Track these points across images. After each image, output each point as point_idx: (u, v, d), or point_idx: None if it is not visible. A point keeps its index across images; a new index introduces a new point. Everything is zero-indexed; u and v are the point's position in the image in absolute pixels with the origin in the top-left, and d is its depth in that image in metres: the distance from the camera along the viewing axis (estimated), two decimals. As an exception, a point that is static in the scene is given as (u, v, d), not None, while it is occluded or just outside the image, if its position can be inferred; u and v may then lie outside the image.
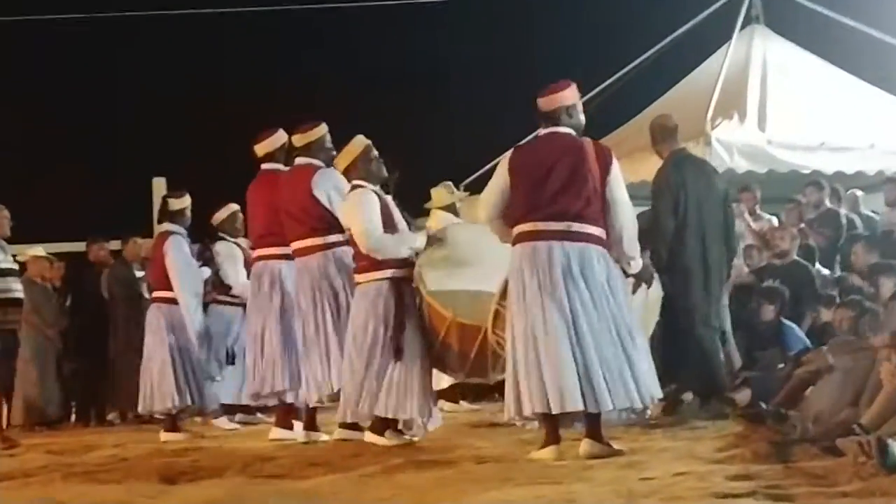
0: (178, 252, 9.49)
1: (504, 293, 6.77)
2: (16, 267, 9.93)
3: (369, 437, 7.52)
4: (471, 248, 7.73)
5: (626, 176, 11.17)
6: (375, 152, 7.73)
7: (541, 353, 6.30)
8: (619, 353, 6.33)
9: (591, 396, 6.24)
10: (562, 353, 6.25)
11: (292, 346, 8.25)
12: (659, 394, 6.56)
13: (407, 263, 7.55)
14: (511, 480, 5.58)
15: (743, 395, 8.34)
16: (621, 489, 5.05)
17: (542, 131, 6.70)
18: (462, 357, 7.50)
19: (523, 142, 7.05)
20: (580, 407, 6.23)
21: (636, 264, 6.81)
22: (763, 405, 7.65)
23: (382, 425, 7.51)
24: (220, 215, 10.35)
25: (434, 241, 7.78)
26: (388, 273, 7.52)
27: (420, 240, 7.71)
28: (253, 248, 8.88)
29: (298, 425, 8.40)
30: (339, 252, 8.00)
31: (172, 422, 9.46)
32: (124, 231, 12.69)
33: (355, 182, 7.66)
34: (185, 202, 9.74)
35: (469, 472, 6.02)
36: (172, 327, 9.47)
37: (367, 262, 7.55)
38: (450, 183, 11.09)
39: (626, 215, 6.59)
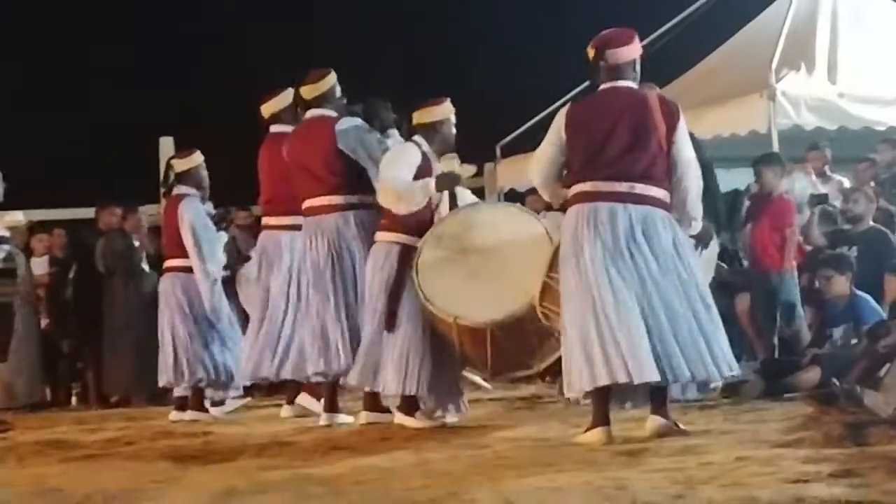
0: (194, 214, 9.39)
1: (552, 264, 6.79)
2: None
3: (398, 418, 7.51)
4: (482, 232, 7.62)
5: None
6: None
7: (612, 321, 6.25)
8: (691, 321, 6.33)
9: (667, 367, 6.23)
10: (634, 320, 6.23)
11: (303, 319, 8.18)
12: (736, 366, 6.52)
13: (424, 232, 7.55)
14: (553, 466, 5.54)
15: (812, 375, 8.28)
16: (678, 476, 4.99)
17: (603, 86, 6.65)
18: (480, 359, 7.48)
19: (579, 97, 7.05)
20: (657, 378, 6.21)
21: (697, 225, 6.78)
22: (836, 384, 7.58)
23: (412, 405, 7.49)
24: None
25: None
26: (403, 238, 7.56)
27: (432, 182, 7.58)
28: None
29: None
30: (361, 215, 7.99)
31: (185, 400, 9.46)
32: (131, 196, 12.74)
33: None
34: (192, 161, 9.62)
35: (507, 457, 5.97)
36: (189, 298, 9.43)
37: (386, 221, 7.62)
38: (455, 155, 11.01)
39: (692, 175, 6.60)
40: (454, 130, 7.87)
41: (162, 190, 10.33)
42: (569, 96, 12.59)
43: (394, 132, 8.23)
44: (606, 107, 6.57)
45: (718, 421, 7.02)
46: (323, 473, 5.74)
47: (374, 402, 7.78)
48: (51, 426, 9.60)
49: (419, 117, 7.76)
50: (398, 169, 7.52)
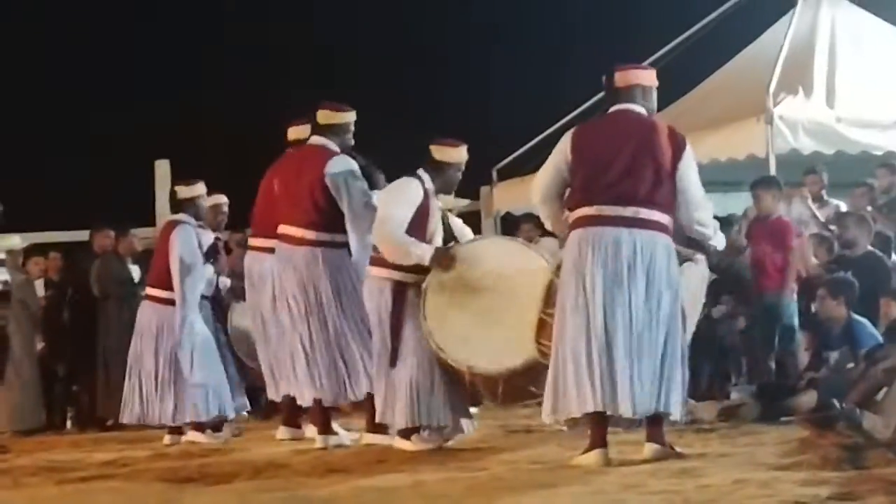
0: (183, 244, 9.36)
1: (546, 301, 6.86)
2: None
3: (397, 442, 7.52)
4: (484, 270, 7.58)
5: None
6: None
7: (604, 348, 6.29)
8: (656, 359, 6.34)
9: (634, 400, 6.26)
10: (621, 352, 6.27)
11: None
12: (672, 410, 6.39)
13: (420, 269, 7.48)
14: (550, 487, 5.54)
15: (808, 398, 8.27)
16: (675, 498, 5.00)
17: (612, 109, 6.68)
18: (491, 394, 7.54)
19: (577, 121, 7.15)
20: (644, 411, 6.29)
21: (718, 240, 6.91)
22: (836, 405, 7.57)
23: (410, 430, 7.49)
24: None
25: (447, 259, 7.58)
26: (396, 275, 7.54)
27: (428, 254, 7.48)
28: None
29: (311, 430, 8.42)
30: (329, 254, 8.00)
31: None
32: (126, 219, 12.73)
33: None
34: (195, 191, 9.64)
35: (504, 479, 5.98)
36: (164, 330, 9.40)
37: (378, 255, 7.58)
38: None
39: (698, 206, 6.62)
40: (460, 177, 7.84)
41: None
42: (565, 120, 12.65)
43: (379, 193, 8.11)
44: (612, 129, 6.60)
45: (715, 444, 7.03)
46: (320, 495, 5.74)
47: (375, 423, 7.79)
48: (47, 449, 9.59)
49: (436, 152, 7.68)
50: (398, 207, 7.48)
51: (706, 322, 11.56)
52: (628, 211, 6.39)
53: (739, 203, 12.29)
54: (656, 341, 6.34)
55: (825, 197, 11.58)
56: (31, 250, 13.03)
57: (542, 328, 6.97)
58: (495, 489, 5.59)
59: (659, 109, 13.37)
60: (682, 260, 6.85)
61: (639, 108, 6.62)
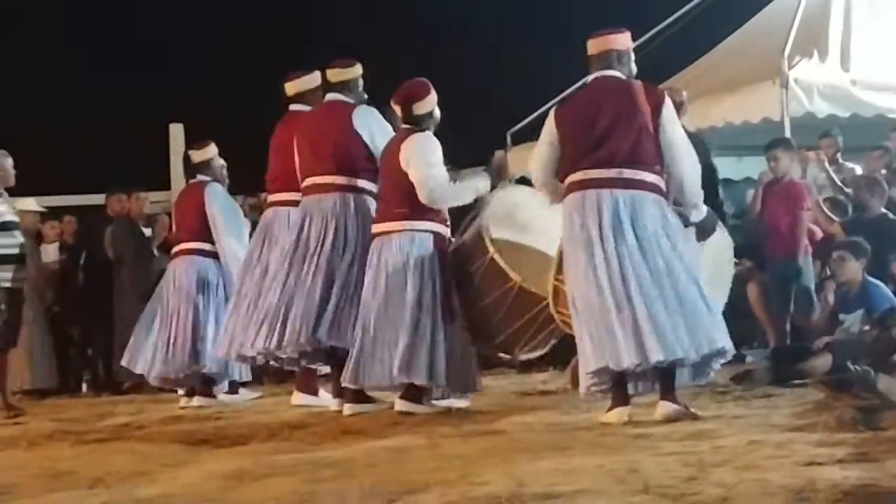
0: (222, 200, 9.58)
1: (560, 266, 6.88)
2: (17, 220, 9.94)
3: (400, 405, 7.45)
4: (527, 211, 7.72)
5: (697, 120, 11.21)
6: None
7: (594, 309, 6.40)
8: (672, 303, 6.35)
9: (640, 351, 6.27)
10: (608, 307, 6.35)
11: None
12: (719, 343, 6.44)
13: (445, 220, 7.61)
14: (566, 449, 5.53)
15: (823, 361, 8.26)
16: (690, 459, 4.99)
17: (589, 77, 6.82)
18: (499, 327, 7.57)
19: (568, 92, 7.21)
20: (626, 364, 6.31)
21: (698, 213, 6.79)
22: (852, 368, 7.56)
23: (417, 391, 7.46)
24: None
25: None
26: (435, 227, 7.57)
27: (484, 182, 7.69)
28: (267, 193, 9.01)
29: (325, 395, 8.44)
30: (359, 199, 8.01)
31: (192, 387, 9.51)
32: (141, 182, 12.78)
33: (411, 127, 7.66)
34: (207, 153, 9.76)
35: (519, 441, 5.98)
36: (202, 282, 9.49)
37: (408, 210, 7.53)
38: None
39: (685, 158, 6.64)
40: None
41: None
42: (579, 84, 12.61)
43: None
44: (591, 96, 6.72)
45: (730, 406, 7.02)
46: (334, 456, 5.73)
47: (357, 392, 7.69)
48: (62, 412, 9.63)
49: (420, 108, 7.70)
50: (439, 166, 7.53)
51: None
52: (612, 172, 6.49)
53: (754, 167, 12.26)
54: (670, 289, 6.36)
55: (840, 160, 11.55)
56: (47, 214, 13.08)
57: (557, 295, 7.07)
58: (511, 450, 5.58)
59: (674, 72, 13.46)
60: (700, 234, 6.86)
61: (615, 73, 6.71)
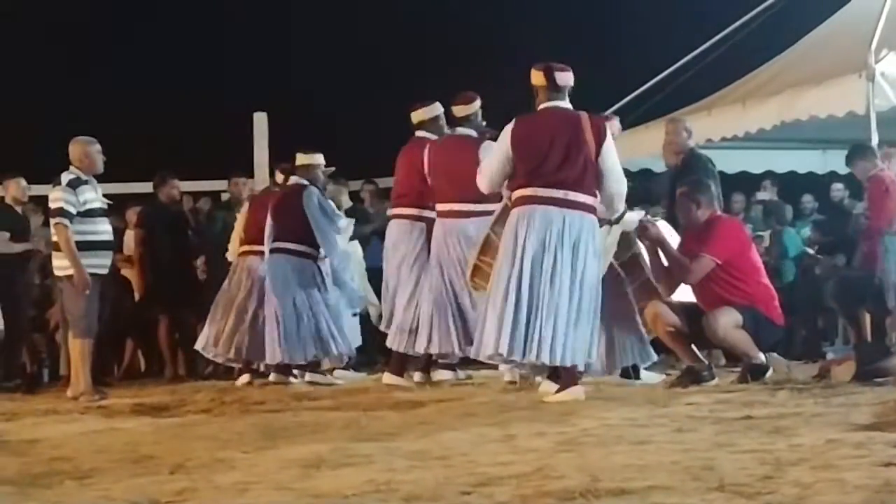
0: (315, 207, 10.44)
1: (484, 249, 8.22)
2: (106, 206, 10.06)
3: (386, 378, 9.61)
4: None
5: (779, 115, 11.21)
6: None
7: (526, 305, 7.55)
8: (568, 315, 7.54)
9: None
10: (543, 309, 7.53)
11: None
12: (580, 360, 7.68)
13: None
14: (641, 445, 5.51)
15: (903, 359, 8.17)
16: (767, 457, 4.94)
17: (544, 105, 7.84)
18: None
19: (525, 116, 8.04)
20: (559, 359, 7.59)
21: (617, 214, 8.32)
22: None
23: (402, 364, 9.64)
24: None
25: None
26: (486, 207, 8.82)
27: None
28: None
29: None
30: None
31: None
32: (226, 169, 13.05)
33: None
34: (315, 159, 10.74)
35: (595, 435, 5.94)
36: (299, 278, 10.40)
37: (451, 208, 9.37)
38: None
39: (616, 181, 7.83)
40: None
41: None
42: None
43: None
44: (546, 123, 7.79)
45: (809, 404, 6.94)
46: (410, 447, 5.75)
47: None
48: (145, 396, 9.75)
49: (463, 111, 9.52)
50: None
51: (804, 282, 11.49)
52: (559, 193, 7.65)
53: (838, 161, 12.13)
54: (575, 302, 7.56)
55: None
56: (132, 200, 13.24)
57: (476, 271, 8.34)
58: (585, 445, 5.58)
59: (758, 65, 13.33)
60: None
61: (567, 105, 7.83)
